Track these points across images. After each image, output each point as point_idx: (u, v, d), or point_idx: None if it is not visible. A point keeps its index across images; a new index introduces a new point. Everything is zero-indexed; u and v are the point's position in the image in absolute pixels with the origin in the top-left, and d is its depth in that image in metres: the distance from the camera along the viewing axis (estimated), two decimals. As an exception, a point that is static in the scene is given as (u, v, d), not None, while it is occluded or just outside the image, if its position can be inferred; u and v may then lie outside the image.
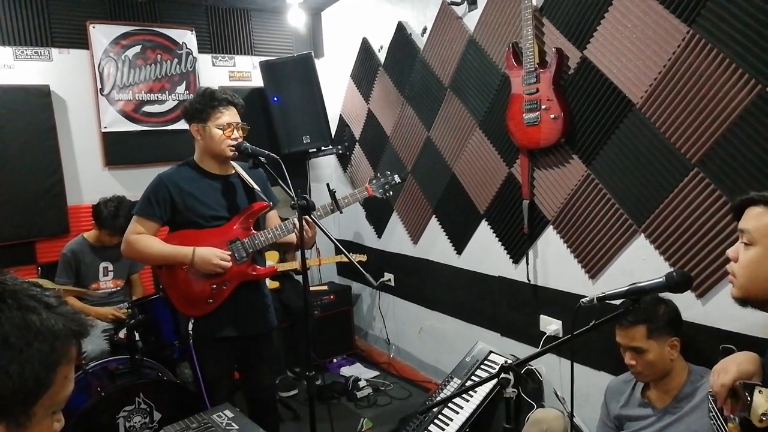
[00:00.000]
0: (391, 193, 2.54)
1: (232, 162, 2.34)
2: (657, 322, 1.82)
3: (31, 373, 0.74)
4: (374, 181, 2.52)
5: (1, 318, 0.73)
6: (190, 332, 2.24)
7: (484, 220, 3.09)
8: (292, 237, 2.35)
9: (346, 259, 2.05)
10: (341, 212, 2.36)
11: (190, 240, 2.21)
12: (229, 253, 2.22)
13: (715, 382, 1.30)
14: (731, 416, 1.25)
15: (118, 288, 3.33)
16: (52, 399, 0.78)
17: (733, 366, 1.28)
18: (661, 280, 1.30)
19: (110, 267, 3.29)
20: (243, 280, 2.28)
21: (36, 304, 0.77)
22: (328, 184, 2.39)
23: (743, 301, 1.26)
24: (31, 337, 0.75)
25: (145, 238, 2.20)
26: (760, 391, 1.15)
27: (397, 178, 2.54)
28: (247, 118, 2.35)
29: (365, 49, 3.91)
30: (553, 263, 2.70)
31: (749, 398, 1.16)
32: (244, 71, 4.26)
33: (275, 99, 3.95)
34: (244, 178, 2.35)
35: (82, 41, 3.60)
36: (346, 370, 4.00)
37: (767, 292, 1.22)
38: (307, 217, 2.07)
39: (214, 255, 2.18)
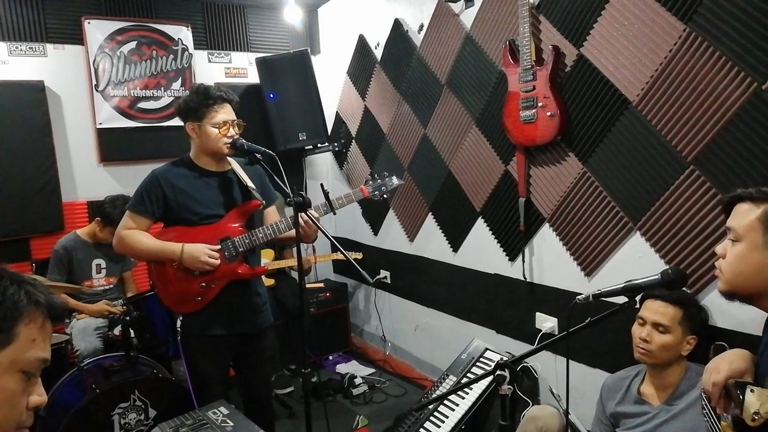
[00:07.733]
0: (386, 195, 2.44)
1: (229, 159, 2.32)
2: (693, 313, 1.87)
3: None
4: (370, 182, 2.43)
5: None
6: (179, 329, 2.24)
7: (480, 218, 3.09)
8: (293, 232, 2.30)
9: (342, 257, 2.02)
10: (335, 213, 2.31)
11: (182, 237, 2.20)
12: (218, 248, 2.20)
13: (707, 381, 1.31)
14: (724, 415, 1.26)
15: (111, 285, 3.31)
16: (17, 354, 0.81)
17: (725, 364, 1.29)
18: (656, 277, 1.31)
19: (103, 264, 3.27)
20: (233, 278, 2.26)
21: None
22: (322, 185, 2.34)
23: (730, 294, 1.29)
24: None
25: (136, 233, 2.19)
26: (751, 390, 1.15)
27: (395, 181, 2.43)
28: (243, 114, 2.34)
29: (362, 45, 3.90)
30: (549, 261, 2.70)
31: (741, 397, 1.16)
32: (240, 68, 4.25)
33: (271, 96, 3.94)
34: (239, 176, 2.33)
35: (77, 37, 3.58)
36: (342, 368, 3.99)
37: (752, 287, 1.25)
38: (304, 215, 2.01)
39: (202, 252, 2.16)
